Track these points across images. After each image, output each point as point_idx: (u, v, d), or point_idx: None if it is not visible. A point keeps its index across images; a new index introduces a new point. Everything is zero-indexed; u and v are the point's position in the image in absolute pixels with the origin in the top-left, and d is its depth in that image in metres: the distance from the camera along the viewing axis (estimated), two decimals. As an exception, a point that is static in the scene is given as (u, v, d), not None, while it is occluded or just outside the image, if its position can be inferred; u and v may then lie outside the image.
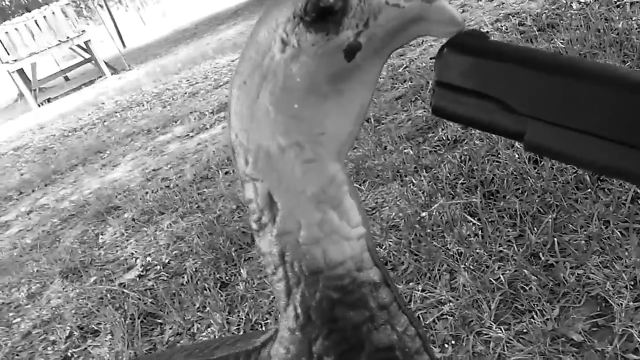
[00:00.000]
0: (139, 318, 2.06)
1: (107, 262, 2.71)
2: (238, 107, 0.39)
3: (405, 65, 3.67)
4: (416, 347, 0.40)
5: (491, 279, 1.55)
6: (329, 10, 0.35)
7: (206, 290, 2.05)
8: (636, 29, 2.66)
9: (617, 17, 3.03)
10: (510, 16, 3.66)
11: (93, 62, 11.58)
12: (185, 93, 6.35)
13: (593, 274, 1.44)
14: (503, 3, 4.08)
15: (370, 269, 0.39)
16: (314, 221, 0.38)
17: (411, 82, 3.30)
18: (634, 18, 2.91)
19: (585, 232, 1.59)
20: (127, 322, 2.05)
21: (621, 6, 3.20)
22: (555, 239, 1.58)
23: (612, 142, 0.30)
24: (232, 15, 14.56)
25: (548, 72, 0.32)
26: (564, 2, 3.48)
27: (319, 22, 0.35)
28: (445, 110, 0.35)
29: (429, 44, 3.96)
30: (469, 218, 1.85)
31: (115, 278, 2.50)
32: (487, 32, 3.75)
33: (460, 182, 2.07)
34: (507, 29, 3.46)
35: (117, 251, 2.80)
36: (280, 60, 0.37)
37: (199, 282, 2.14)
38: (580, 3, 3.57)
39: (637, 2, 3.19)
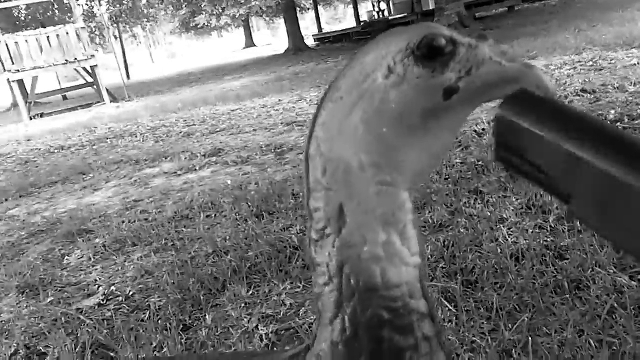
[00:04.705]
0: (90, 348, 1.96)
1: (68, 284, 2.61)
2: (329, 118, 0.42)
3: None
4: None
5: (461, 369, 1.52)
6: (440, 51, 0.39)
7: (167, 330, 1.98)
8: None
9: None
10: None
11: (95, 86, 11.69)
12: (181, 132, 6.38)
13: (563, 380, 1.42)
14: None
15: (419, 300, 0.40)
16: (379, 240, 0.40)
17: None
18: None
19: (559, 338, 1.58)
20: (77, 349, 1.95)
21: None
22: (530, 339, 1.56)
23: None
24: (239, 69, 14.95)
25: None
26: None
27: (428, 59, 0.39)
28: (507, 159, 0.36)
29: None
30: (446, 303, 1.83)
31: (73, 302, 2.40)
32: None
33: (441, 266, 2.08)
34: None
35: (80, 275, 2.70)
36: (382, 85, 0.40)
37: (160, 321, 2.06)
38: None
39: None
